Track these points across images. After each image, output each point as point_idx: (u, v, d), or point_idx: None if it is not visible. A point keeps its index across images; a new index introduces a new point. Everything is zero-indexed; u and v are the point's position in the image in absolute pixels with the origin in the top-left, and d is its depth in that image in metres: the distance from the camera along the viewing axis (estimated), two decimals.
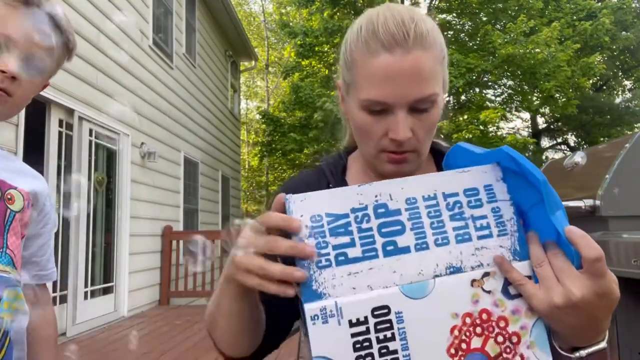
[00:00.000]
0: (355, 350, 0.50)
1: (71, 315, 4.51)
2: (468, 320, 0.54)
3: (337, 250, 0.53)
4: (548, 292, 0.53)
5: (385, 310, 0.52)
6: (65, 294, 4.51)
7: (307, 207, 0.54)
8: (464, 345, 0.53)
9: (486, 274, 0.55)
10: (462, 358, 0.53)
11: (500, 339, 0.54)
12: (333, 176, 0.86)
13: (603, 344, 0.56)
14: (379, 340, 0.51)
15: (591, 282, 0.51)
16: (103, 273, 5.31)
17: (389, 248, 0.54)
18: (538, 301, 0.53)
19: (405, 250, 0.54)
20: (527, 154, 12.78)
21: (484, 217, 0.57)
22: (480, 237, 0.56)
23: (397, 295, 0.53)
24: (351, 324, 0.51)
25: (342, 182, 0.85)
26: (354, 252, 0.53)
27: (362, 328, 0.51)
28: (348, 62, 0.76)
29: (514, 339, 0.54)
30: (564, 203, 2.01)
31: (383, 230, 0.55)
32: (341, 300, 0.51)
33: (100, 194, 5.30)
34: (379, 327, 0.52)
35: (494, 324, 0.54)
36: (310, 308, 0.51)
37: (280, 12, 19.73)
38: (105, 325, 4.97)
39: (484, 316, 0.54)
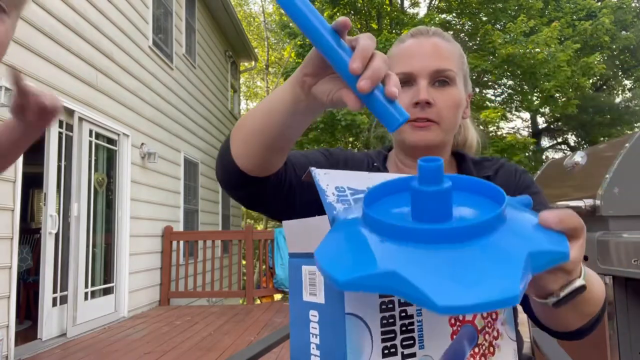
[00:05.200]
0: (382, 310, 0.51)
1: (71, 316, 4.51)
2: None
3: None
4: None
5: None
6: (66, 295, 4.51)
7: (330, 179, 0.56)
8: (460, 316, 0.56)
9: None
10: (459, 328, 0.55)
11: (484, 314, 0.58)
12: (377, 160, 0.99)
13: (580, 281, 0.52)
14: (400, 304, 0.52)
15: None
16: (103, 274, 5.31)
17: None
18: None
19: None
20: (527, 154, 12.77)
21: None
22: None
23: None
24: None
25: (383, 166, 0.98)
26: None
27: None
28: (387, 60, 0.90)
29: (494, 315, 0.59)
30: (564, 203, 1.99)
31: None
32: None
33: (101, 195, 5.30)
34: None
35: None
36: None
37: (280, 12, 19.73)
38: (105, 326, 4.97)
39: None
